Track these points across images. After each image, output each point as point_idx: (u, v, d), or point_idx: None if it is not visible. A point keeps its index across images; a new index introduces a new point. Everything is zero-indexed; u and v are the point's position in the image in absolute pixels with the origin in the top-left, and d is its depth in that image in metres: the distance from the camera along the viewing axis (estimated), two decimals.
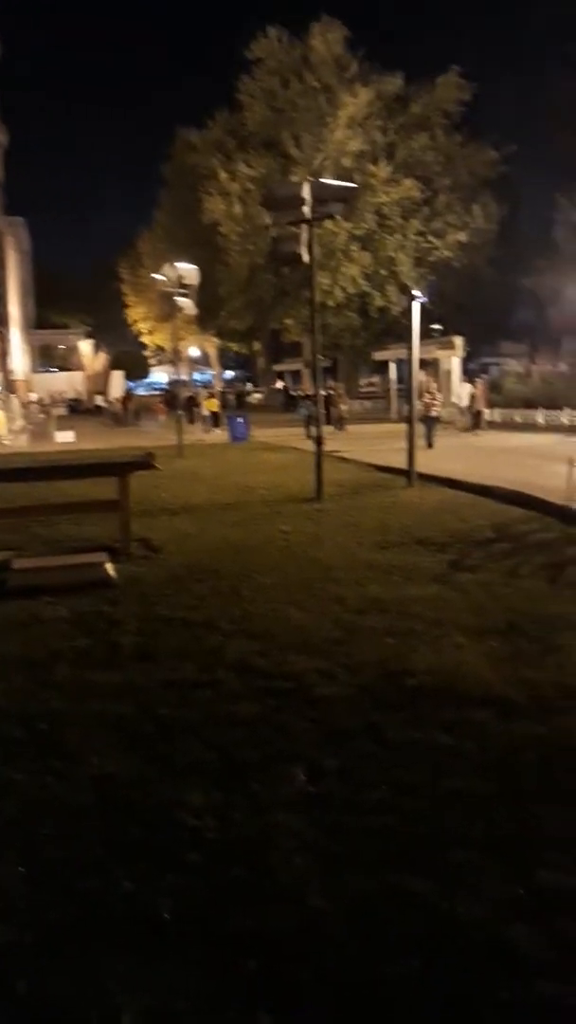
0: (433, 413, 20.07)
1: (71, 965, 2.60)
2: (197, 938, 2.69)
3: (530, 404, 28.45)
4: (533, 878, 2.93)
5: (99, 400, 54.56)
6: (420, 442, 19.01)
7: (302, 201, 11.63)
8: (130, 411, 37.93)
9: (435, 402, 20.35)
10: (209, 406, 32.98)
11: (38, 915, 2.83)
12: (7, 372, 52.47)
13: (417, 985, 2.47)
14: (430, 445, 19.35)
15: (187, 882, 2.97)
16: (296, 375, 57.92)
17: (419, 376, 15.97)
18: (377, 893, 2.88)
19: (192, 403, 35.90)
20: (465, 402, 27.42)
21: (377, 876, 2.97)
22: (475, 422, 25.27)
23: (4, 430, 28.30)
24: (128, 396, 44.73)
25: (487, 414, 26.27)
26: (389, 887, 2.91)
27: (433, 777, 3.66)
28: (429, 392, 20.52)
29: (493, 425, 27.42)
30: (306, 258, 12.12)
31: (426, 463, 14.57)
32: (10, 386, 47.22)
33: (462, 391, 28.04)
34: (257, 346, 58.73)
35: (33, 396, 52.36)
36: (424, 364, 31.08)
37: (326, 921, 2.75)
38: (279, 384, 59.70)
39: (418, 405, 15.69)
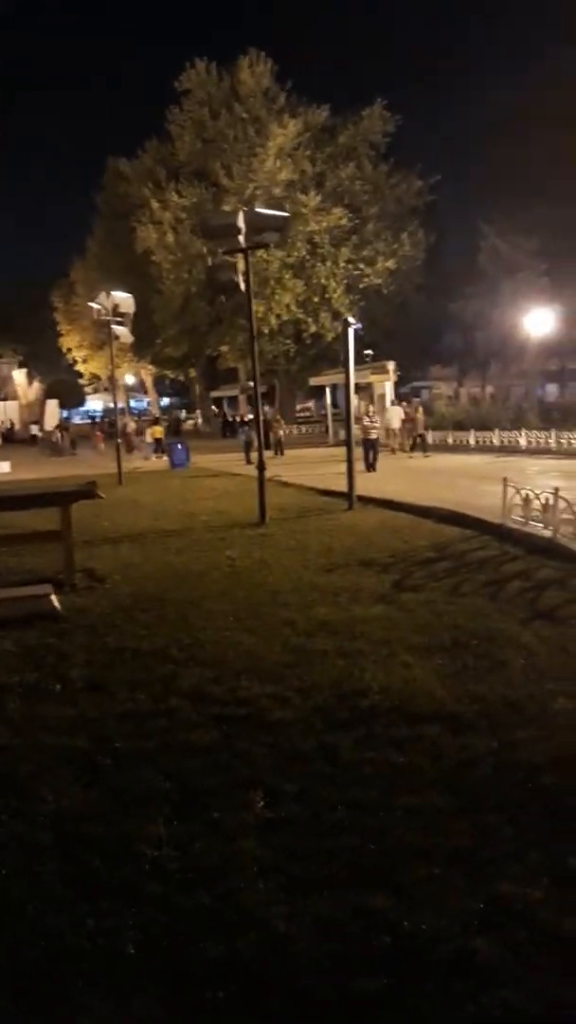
0: (372, 436, 20.37)
1: (36, 1005, 2.57)
2: (165, 970, 2.69)
3: (461, 426, 29.15)
4: (493, 890, 3.01)
5: (34, 429, 53.76)
6: (360, 465, 19.37)
7: (237, 230, 11.80)
8: (67, 440, 37.42)
9: (374, 425, 20.67)
10: (154, 433, 33.18)
11: (1, 955, 2.78)
12: None
13: (385, 1001, 2.52)
14: (371, 468, 19.56)
15: (151, 914, 2.97)
16: (233, 401, 58.11)
17: (355, 401, 16.32)
18: (341, 913, 2.92)
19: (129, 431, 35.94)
20: (395, 424, 27.98)
21: (340, 896, 3.01)
22: (422, 444, 25.53)
23: None
24: (64, 425, 44.17)
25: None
26: (353, 906, 2.95)
27: (389, 795, 3.73)
28: (367, 416, 20.88)
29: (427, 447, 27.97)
30: (243, 286, 12.27)
31: (365, 485, 14.78)
32: None
33: (392, 414, 28.49)
34: (193, 373, 58.71)
35: None
36: (358, 389, 31.65)
37: (292, 944, 2.78)
38: (215, 410, 59.85)
39: (356, 429, 15.94)
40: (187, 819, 3.61)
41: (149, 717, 4.78)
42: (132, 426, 38.84)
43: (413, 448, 25.17)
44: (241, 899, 3.03)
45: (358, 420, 20.71)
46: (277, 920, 2.89)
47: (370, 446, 20.10)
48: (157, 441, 32.26)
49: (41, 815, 3.70)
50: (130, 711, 4.89)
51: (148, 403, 72.19)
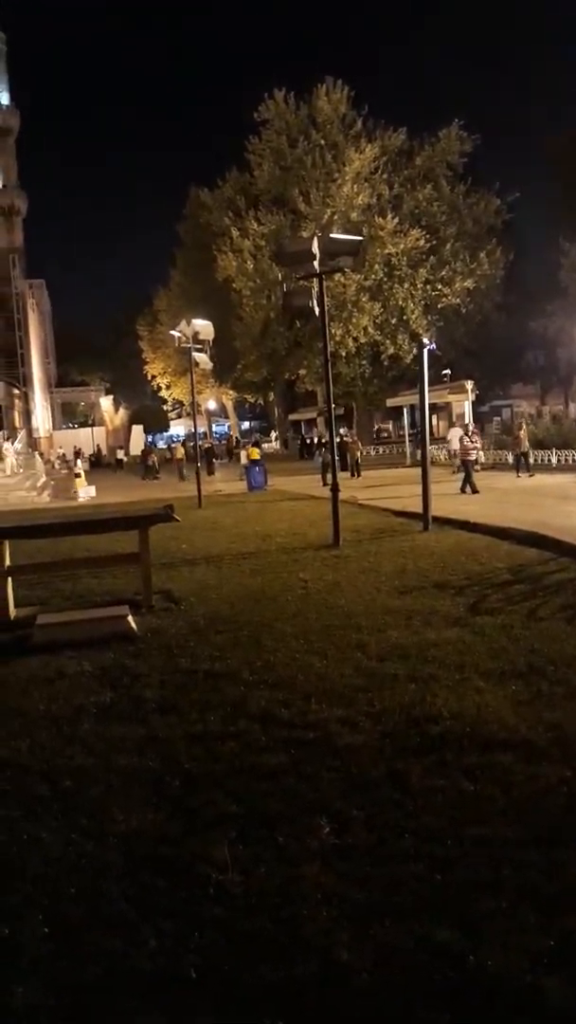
0: (471, 457, 19.61)
1: None
2: (225, 995, 2.68)
3: (542, 444, 28.44)
4: (564, 927, 2.90)
5: (120, 454, 55.31)
6: (457, 485, 19.14)
7: (312, 256, 11.93)
8: (152, 464, 38.35)
9: (474, 446, 19.91)
10: (252, 455, 33.90)
11: (63, 975, 2.82)
12: (31, 430, 53.43)
13: None
14: (471, 490, 18.77)
15: (213, 938, 2.96)
16: (311, 423, 58.45)
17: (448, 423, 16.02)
18: (404, 944, 2.86)
19: (212, 454, 36.69)
20: (455, 446, 27.36)
21: (404, 927, 2.95)
22: (525, 463, 23.66)
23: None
24: (148, 450, 45.26)
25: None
26: (416, 938, 2.88)
27: (459, 824, 3.64)
28: (468, 436, 20.09)
29: (504, 467, 27.43)
30: (317, 311, 12.37)
31: (441, 505, 14.61)
32: (34, 444, 47.98)
33: (452, 435, 27.86)
34: (272, 396, 59.41)
35: (59, 451, 53.22)
36: (436, 409, 31.40)
37: (353, 974, 2.73)
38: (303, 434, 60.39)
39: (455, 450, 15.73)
40: (253, 843, 3.61)
41: (219, 739, 4.80)
42: (181, 452, 39.33)
43: (517, 468, 23.64)
44: (303, 925, 3.00)
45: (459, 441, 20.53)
46: (339, 948, 2.85)
47: (469, 468, 19.43)
48: (254, 462, 32.88)
49: (110, 835, 3.75)
50: (200, 733, 4.93)
51: (229, 427, 73.35)
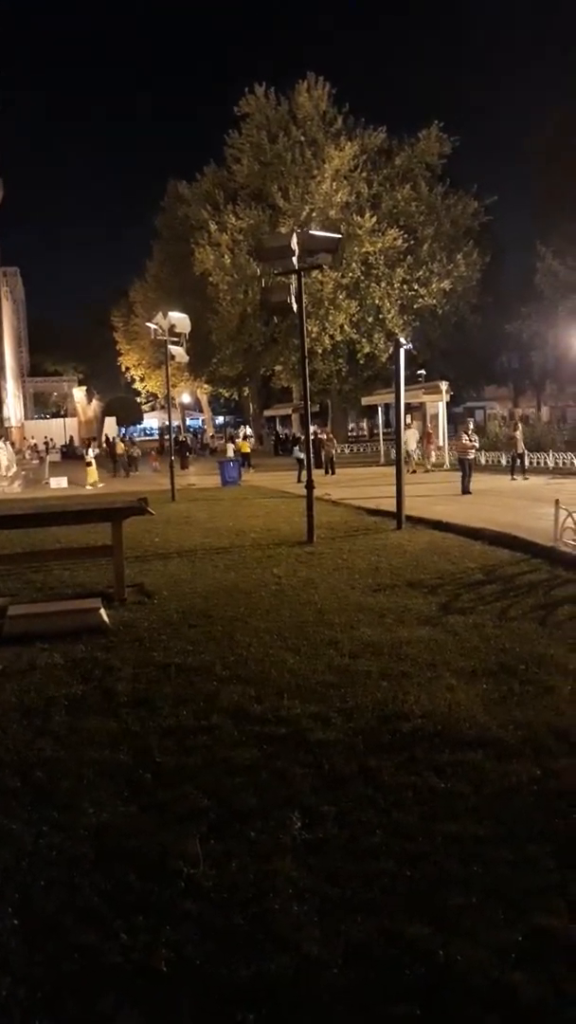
0: (470, 456, 18.75)
1: (68, 1020, 2.58)
2: (196, 990, 2.68)
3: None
4: (532, 922, 2.94)
5: (93, 446, 54.89)
6: (457, 487, 18.52)
7: (291, 252, 11.92)
8: (124, 458, 37.95)
9: (472, 444, 19.01)
10: (242, 448, 34.09)
11: (34, 969, 2.81)
12: (2, 420, 52.81)
13: None
14: (465, 491, 18.18)
15: (186, 932, 2.97)
16: (286, 420, 58.46)
17: (417, 420, 15.56)
18: (375, 939, 2.88)
19: (185, 448, 36.52)
20: (412, 446, 27.38)
21: (375, 922, 2.97)
22: (520, 465, 22.72)
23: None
24: (126, 442, 44.90)
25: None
26: (387, 933, 2.91)
27: (429, 820, 3.67)
28: (466, 435, 19.14)
29: (477, 467, 27.65)
30: (295, 307, 12.37)
31: (415, 505, 14.69)
32: (5, 433, 47.43)
33: (409, 436, 27.81)
34: (247, 392, 59.29)
35: (32, 441, 52.60)
36: (410, 408, 31.55)
37: (324, 969, 2.75)
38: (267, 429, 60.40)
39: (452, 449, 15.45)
40: (225, 837, 3.61)
41: (191, 733, 4.80)
42: (121, 447, 38.05)
43: (512, 470, 22.72)
44: (275, 921, 3.02)
45: (456, 439, 20.07)
46: (310, 943, 2.87)
47: (468, 467, 18.65)
48: (245, 456, 33.40)
49: (81, 828, 3.73)
50: (173, 727, 4.92)
51: (203, 421, 73.11)
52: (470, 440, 18.97)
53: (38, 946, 2.92)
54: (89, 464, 28.39)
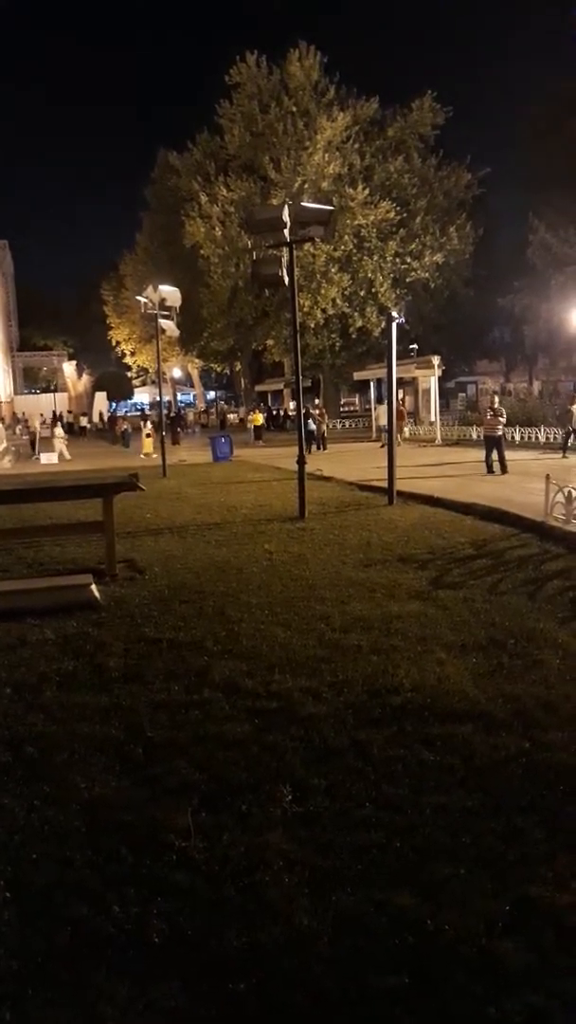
0: (497, 433, 17.11)
1: (61, 992, 2.60)
2: (189, 960, 2.72)
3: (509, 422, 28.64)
4: (519, 892, 2.98)
5: (83, 421, 54.59)
6: (483, 468, 16.93)
7: (283, 224, 11.79)
8: (117, 432, 38.00)
9: (500, 419, 17.26)
10: (254, 421, 34.39)
11: (27, 942, 2.83)
12: None
13: (406, 1000, 2.51)
14: (503, 470, 16.57)
15: (177, 904, 3.00)
16: (278, 395, 58.23)
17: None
18: (364, 909, 2.92)
19: (177, 423, 36.61)
20: (383, 421, 26.93)
21: (365, 892, 3.01)
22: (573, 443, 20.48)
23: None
24: (119, 418, 45.01)
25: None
26: (377, 903, 2.94)
27: (418, 793, 3.71)
28: (492, 409, 17.49)
29: (469, 443, 27.65)
30: (287, 280, 12.26)
31: (406, 480, 14.69)
32: None
33: (380, 412, 27.35)
34: (239, 367, 58.93)
35: (22, 415, 52.18)
36: (402, 383, 31.45)
37: (315, 939, 2.78)
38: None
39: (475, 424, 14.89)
40: (216, 811, 3.64)
41: (182, 708, 4.82)
42: (124, 424, 38.82)
43: (565, 447, 20.64)
44: (266, 892, 3.05)
45: (482, 413, 18.56)
46: (301, 914, 2.90)
47: (493, 444, 16.99)
48: (257, 429, 34.32)
49: (73, 802, 3.75)
50: (164, 701, 4.94)
51: (194, 396, 72.75)
52: (494, 415, 17.15)
53: (31, 919, 2.95)
54: (149, 435, 29.10)
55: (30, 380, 73.99)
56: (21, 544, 10.50)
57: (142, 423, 31.15)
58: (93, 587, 7.53)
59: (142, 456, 27.28)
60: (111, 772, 4.05)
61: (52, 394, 64.16)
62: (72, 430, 50.14)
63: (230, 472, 21.42)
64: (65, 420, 55.14)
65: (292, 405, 50.67)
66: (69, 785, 3.91)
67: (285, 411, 49.75)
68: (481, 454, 17.89)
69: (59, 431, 31.42)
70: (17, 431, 42.61)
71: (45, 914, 2.97)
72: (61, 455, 28.77)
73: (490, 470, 16.82)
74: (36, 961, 2.73)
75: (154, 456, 26.57)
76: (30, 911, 2.99)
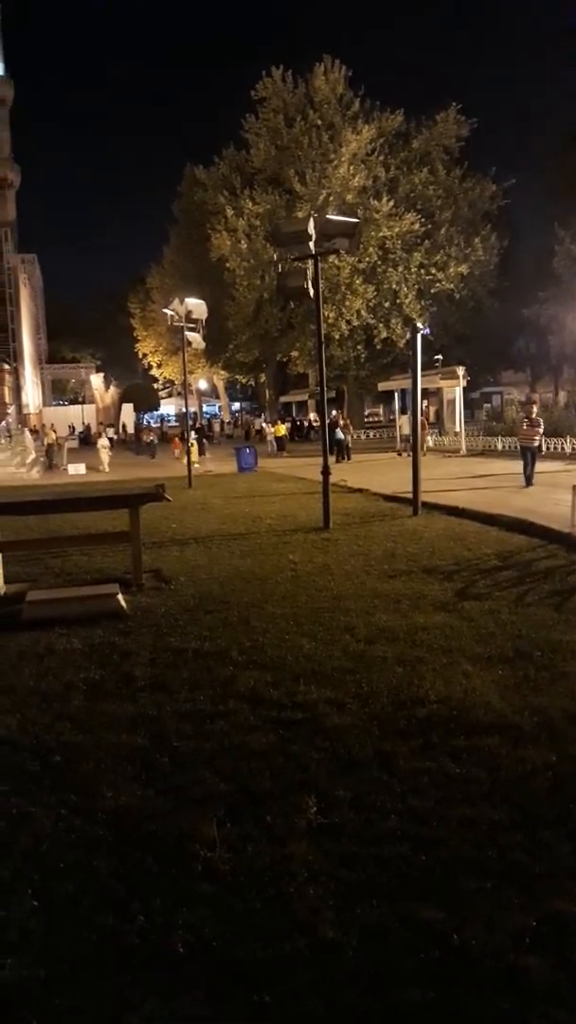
0: (535, 443, 16.63)
1: (86, 1001, 2.62)
2: (212, 971, 2.72)
3: None
4: (546, 907, 2.95)
5: (110, 432, 55.07)
6: (520, 480, 16.37)
7: (308, 237, 11.86)
8: (155, 442, 38.38)
9: (538, 429, 16.83)
10: (277, 431, 34.67)
11: (52, 949, 2.85)
12: (20, 406, 53.02)
13: (431, 1014, 2.49)
14: (528, 482, 16.24)
15: (201, 914, 3.00)
16: (302, 406, 58.31)
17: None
18: (390, 923, 2.90)
19: (203, 435, 37.00)
20: (406, 430, 27.29)
21: (390, 905, 2.99)
22: None
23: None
24: (146, 429, 45.51)
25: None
26: (401, 916, 2.92)
27: (444, 805, 3.69)
28: (529, 419, 16.95)
29: (494, 453, 27.53)
30: (312, 292, 12.31)
31: (431, 491, 14.64)
32: (24, 420, 47.65)
33: (403, 421, 27.70)
34: (264, 378, 59.14)
35: (55, 431, 52.69)
36: (427, 394, 31.39)
37: (339, 951, 2.77)
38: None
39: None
40: (241, 821, 3.64)
41: (208, 718, 4.83)
42: (52, 436, 38.22)
43: None
44: (291, 903, 3.04)
45: (513, 424, 18.09)
46: (325, 926, 2.89)
47: (531, 455, 16.50)
48: (279, 439, 34.54)
49: (100, 811, 3.78)
50: (189, 711, 4.96)
51: (219, 407, 73.07)
52: (531, 425, 16.64)
53: (57, 927, 2.97)
54: (192, 444, 28.98)
55: (58, 392, 74.82)
56: (49, 554, 10.60)
57: (185, 433, 31.21)
58: (120, 596, 7.59)
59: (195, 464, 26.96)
60: (137, 781, 4.07)
61: (80, 406, 64.81)
62: (88, 441, 50.59)
63: (254, 483, 21.48)
64: (93, 431, 55.77)
65: (313, 416, 50.77)
66: (95, 794, 3.94)
67: (309, 422, 49.77)
68: (507, 465, 17.77)
69: (104, 441, 31.28)
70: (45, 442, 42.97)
71: (71, 922, 2.99)
72: (101, 466, 28.67)
73: (529, 482, 16.27)
74: (62, 969, 2.75)
75: (197, 465, 26.74)
76: (56, 919, 3.01)
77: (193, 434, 32.07)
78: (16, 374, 55.29)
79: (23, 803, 3.88)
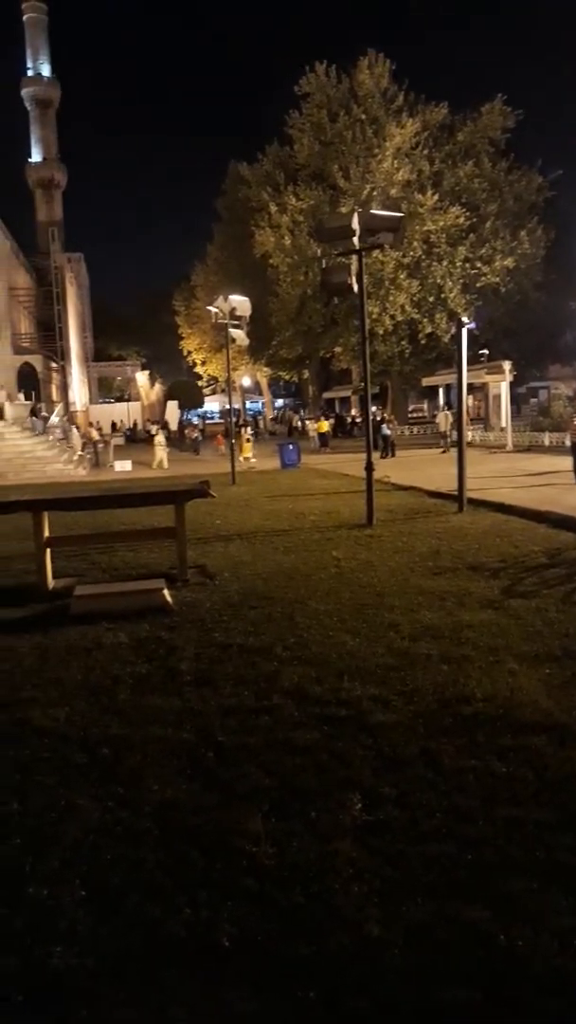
0: None
1: (132, 992, 2.65)
2: (257, 965, 2.73)
3: None
4: None
5: (153, 429, 55.56)
6: (570, 477, 15.82)
7: (352, 232, 11.81)
8: (188, 440, 38.69)
9: None
10: (320, 427, 34.86)
11: (100, 941, 2.89)
12: (68, 404, 53.81)
13: (477, 1015, 2.47)
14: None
15: (246, 909, 3.02)
16: (346, 402, 58.12)
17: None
18: (435, 922, 2.88)
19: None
20: (444, 427, 27.59)
21: (436, 904, 2.98)
22: None
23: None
24: (191, 426, 45.98)
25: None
26: (447, 915, 2.91)
27: (490, 804, 3.65)
28: None
29: (541, 449, 27.10)
30: (356, 288, 12.26)
31: (477, 488, 14.48)
32: (71, 417, 48.34)
33: (441, 417, 27.64)
34: (307, 374, 59.08)
35: (99, 429, 53.52)
36: (472, 389, 31.10)
37: (384, 949, 2.77)
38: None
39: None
40: (286, 817, 3.65)
41: (252, 713, 4.86)
42: (195, 432, 39.85)
43: None
44: (335, 900, 3.04)
45: (565, 420, 17.62)
46: (370, 924, 2.89)
47: None
48: (322, 435, 34.60)
49: (146, 804, 3.82)
50: (234, 707, 4.99)
51: (263, 404, 73.22)
52: None
53: (105, 918, 3.01)
54: (248, 440, 29.23)
55: (104, 390, 75.73)
56: (96, 549, 10.74)
57: (240, 429, 31.22)
58: (165, 592, 7.66)
59: (241, 460, 26.90)
60: (183, 775, 4.11)
61: (126, 403, 65.54)
62: (134, 438, 51.29)
63: (297, 479, 21.49)
64: (139, 428, 56.38)
65: (355, 412, 50.60)
66: (142, 787, 3.98)
67: (352, 418, 49.59)
68: (554, 461, 17.47)
69: (160, 439, 30.99)
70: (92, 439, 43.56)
71: (118, 914, 3.03)
72: (160, 463, 28.52)
73: None
74: (110, 960, 2.79)
75: (252, 460, 26.88)
76: (104, 911, 3.06)
77: (248, 429, 32.26)
78: (63, 372, 56.14)
79: (71, 795, 3.94)
